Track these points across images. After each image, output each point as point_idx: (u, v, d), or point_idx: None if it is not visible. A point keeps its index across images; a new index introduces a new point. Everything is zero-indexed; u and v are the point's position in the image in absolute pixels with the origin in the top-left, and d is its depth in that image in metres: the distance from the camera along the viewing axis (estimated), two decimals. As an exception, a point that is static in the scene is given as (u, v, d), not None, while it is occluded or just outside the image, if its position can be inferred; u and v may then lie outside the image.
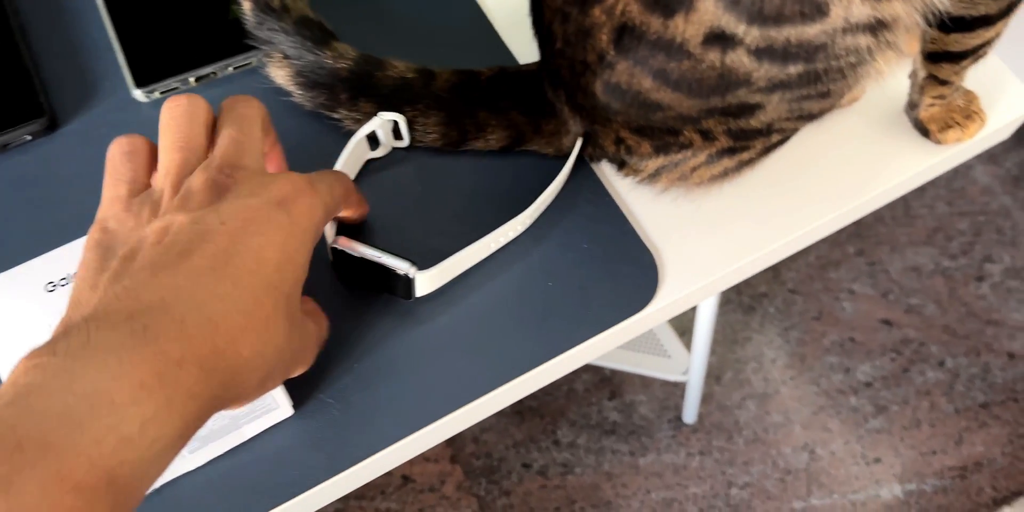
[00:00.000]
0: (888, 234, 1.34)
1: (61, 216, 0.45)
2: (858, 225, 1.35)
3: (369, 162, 0.47)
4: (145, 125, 0.47)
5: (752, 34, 0.36)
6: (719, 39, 0.36)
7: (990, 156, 1.44)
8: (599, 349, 0.44)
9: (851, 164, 0.48)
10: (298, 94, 0.46)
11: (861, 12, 0.36)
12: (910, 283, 1.30)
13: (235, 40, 0.48)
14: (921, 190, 1.39)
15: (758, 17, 0.35)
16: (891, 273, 1.31)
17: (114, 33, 0.49)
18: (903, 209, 1.37)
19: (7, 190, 0.46)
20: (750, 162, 0.45)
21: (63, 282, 0.40)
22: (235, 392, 0.30)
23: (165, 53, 0.49)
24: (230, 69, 0.48)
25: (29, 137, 0.47)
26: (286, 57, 0.46)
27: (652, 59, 0.38)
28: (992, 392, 1.23)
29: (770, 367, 1.22)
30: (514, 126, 0.46)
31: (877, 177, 0.48)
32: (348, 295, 0.44)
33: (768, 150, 0.44)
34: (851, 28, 0.36)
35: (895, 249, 1.33)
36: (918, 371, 1.23)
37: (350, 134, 0.45)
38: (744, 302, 1.27)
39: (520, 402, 1.20)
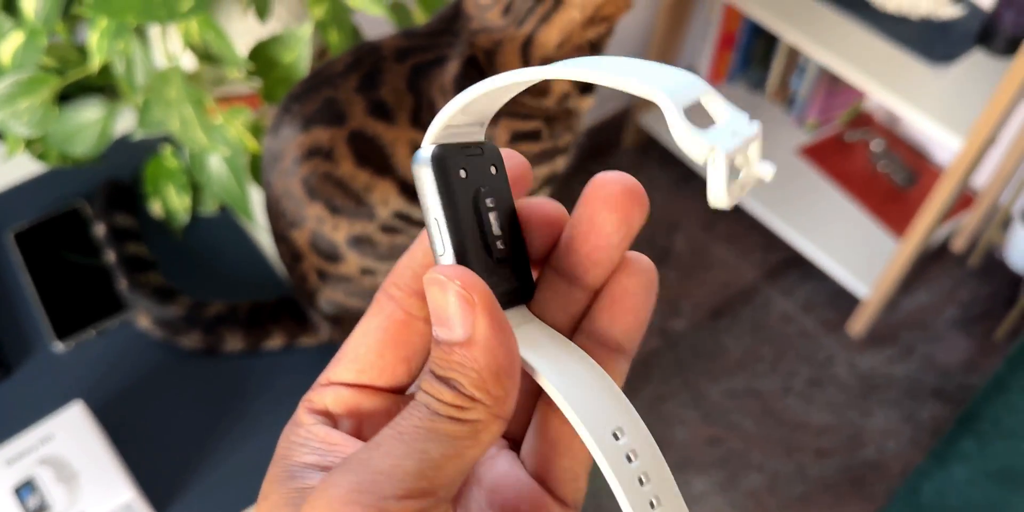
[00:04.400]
0: (705, 367, 1.64)
1: (21, 430, 0.72)
2: (680, 364, 1.65)
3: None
4: (64, 368, 0.76)
5: (384, 267, 0.67)
6: (368, 271, 0.68)
7: (784, 290, 1.78)
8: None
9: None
10: (156, 333, 0.76)
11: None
12: (728, 404, 1.59)
13: (117, 303, 0.79)
14: (728, 327, 1.71)
15: (385, 257, 0.67)
16: (711, 398, 1.60)
17: (41, 304, 0.79)
18: (715, 345, 1.68)
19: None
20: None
21: (13, 459, 0.67)
22: None
23: (75, 315, 0.79)
24: (116, 322, 0.78)
25: (-9, 382, 0.75)
26: (148, 311, 0.76)
27: (339, 285, 0.69)
28: (807, 484, 1.48)
29: (619, 490, 1.47)
30: (289, 329, 0.76)
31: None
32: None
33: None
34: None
35: (713, 378, 1.63)
36: (744, 476, 1.49)
37: (194, 352, 0.75)
38: (593, 440, 1.54)
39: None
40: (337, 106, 0.62)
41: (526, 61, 0.62)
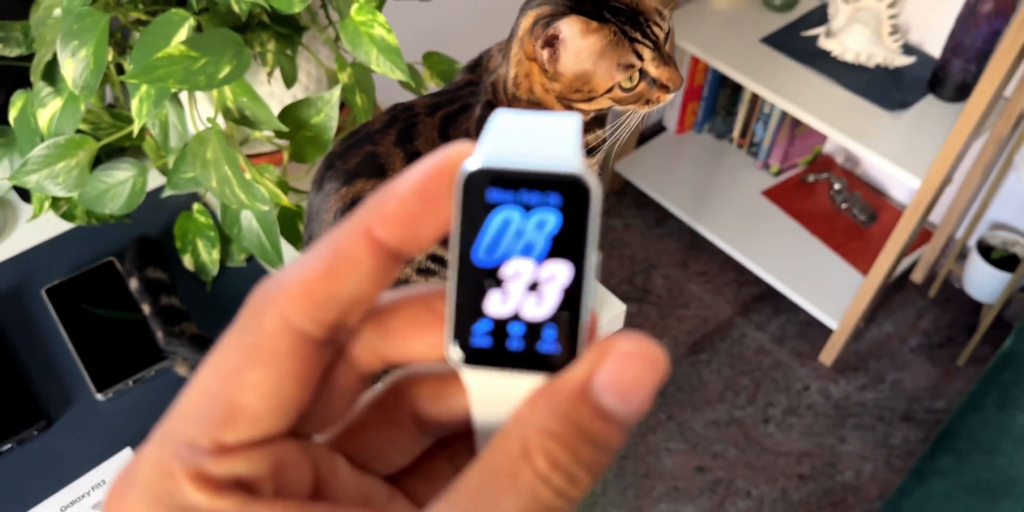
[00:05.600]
0: (688, 399, 1.71)
1: (67, 483, 0.75)
2: (664, 397, 1.71)
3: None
4: (105, 417, 0.80)
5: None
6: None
7: (758, 324, 1.86)
8: None
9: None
10: (195, 377, 0.80)
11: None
12: (712, 434, 1.65)
13: (155, 353, 0.82)
14: (708, 361, 1.78)
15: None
16: (696, 429, 1.66)
17: (78, 357, 0.83)
18: (697, 378, 1.75)
19: (27, 473, 0.76)
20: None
21: (67, 505, 0.70)
22: None
23: (112, 366, 0.82)
24: (154, 371, 0.82)
25: (36, 433, 0.78)
26: (185, 359, 0.80)
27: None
28: (792, 509, 1.54)
29: (614, 522, 1.51)
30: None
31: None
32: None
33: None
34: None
35: (696, 410, 1.69)
36: (731, 503, 1.54)
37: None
38: (586, 474, 1.58)
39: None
40: (378, 160, 0.68)
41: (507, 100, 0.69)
